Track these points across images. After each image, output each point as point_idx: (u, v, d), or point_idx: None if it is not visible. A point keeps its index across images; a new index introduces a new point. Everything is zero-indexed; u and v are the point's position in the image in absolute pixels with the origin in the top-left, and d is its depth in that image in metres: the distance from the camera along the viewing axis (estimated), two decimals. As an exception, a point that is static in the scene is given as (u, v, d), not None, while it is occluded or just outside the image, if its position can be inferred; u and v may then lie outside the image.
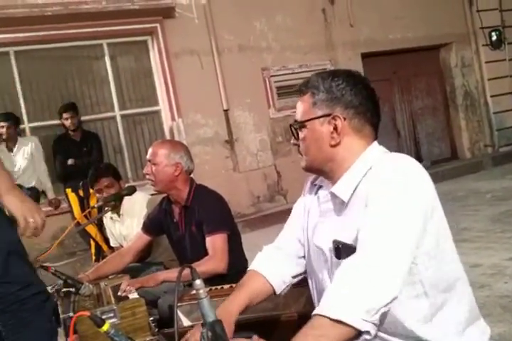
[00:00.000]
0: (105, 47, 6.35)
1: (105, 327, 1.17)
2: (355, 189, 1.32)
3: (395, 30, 7.92)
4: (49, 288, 2.16)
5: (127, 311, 1.74)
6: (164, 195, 2.66)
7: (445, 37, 8.37)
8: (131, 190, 2.77)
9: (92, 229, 5.15)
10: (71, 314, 1.81)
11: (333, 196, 1.37)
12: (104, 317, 1.60)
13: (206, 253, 2.41)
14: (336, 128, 1.35)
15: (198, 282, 1.17)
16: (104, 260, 2.79)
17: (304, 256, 1.53)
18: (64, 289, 2.01)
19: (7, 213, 1.70)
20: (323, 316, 1.15)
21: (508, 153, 8.59)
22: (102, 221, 3.78)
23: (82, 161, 5.38)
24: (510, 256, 3.90)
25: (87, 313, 1.19)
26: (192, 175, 2.64)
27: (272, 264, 1.54)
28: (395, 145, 8.05)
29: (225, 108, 6.77)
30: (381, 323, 1.22)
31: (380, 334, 1.28)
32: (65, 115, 5.55)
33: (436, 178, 1.38)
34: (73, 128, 5.57)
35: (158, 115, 6.67)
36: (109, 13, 6.10)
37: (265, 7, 6.97)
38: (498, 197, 6.02)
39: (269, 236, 1.67)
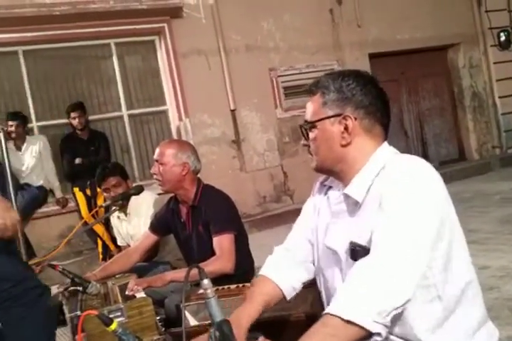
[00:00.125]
0: (113, 46, 6.37)
1: (113, 326, 1.17)
2: (369, 190, 1.31)
3: (403, 30, 7.89)
4: (56, 287, 2.17)
5: (134, 310, 1.74)
6: (171, 194, 2.67)
7: (453, 37, 8.33)
8: (139, 190, 2.77)
9: (99, 228, 5.17)
10: (78, 313, 1.81)
11: (346, 197, 1.37)
12: (111, 316, 1.60)
13: (213, 253, 2.41)
14: (346, 128, 1.35)
15: (206, 282, 1.17)
16: (112, 259, 2.79)
17: (313, 261, 1.53)
18: (71, 288, 2.02)
19: None
20: (335, 316, 1.15)
21: (516, 155, 8.55)
22: (109, 220, 3.79)
23: (90, 160, 5.40)
24: (519, 258, 3.89)
25: (95, 312, 1.19)
26: (199, 175, 2.64)
27: (282, 270, 1.54)
28: (403, 145, 8.02)
29: (232, 108, 6.77)
30: (393, 326, 1.22)
31: (392, 337, 1.28)
32: (72, 114, 5.57)
33: (444, 179, 1.36)
34: (81, 128, 5.59)
35: (166, 115, 6.68)
36: (117, 12, 6.11)
37: (273, 7, 6.96)
38: (506, 199, 5.99)
39: (276, 237, 1.67)
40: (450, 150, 8.71)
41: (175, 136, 6.53)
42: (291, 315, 1.73)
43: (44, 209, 5.70)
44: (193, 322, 1.80)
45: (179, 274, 2.37)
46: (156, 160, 2.55)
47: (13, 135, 5.30)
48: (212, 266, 2.28)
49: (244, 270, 2.44)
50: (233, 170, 6.78)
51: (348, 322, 1.14)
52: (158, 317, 1.82)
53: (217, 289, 2.05)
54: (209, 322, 1.21)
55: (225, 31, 6.72)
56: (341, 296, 1.19)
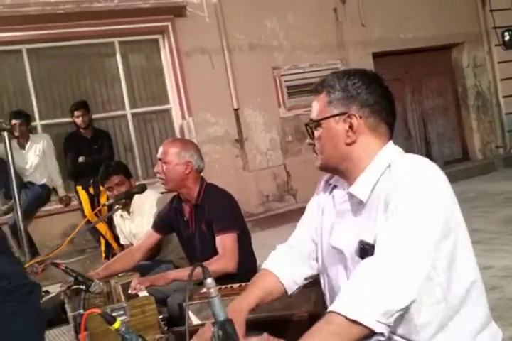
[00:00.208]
0: (117, 45, 6.37)
1: (116, 325, 1.17)
2: (373, 189, 1.32)
3: (407, 29, 7.87)
4: (59, 285, 2.17)
5: (137, 309, 1.75)
6: (174, 193, 2.67)
7: (457, 37, 8.31)
8: (142, 188, 2.77)
9: (102, 227, 5.18)
10: (81, 311, 1.82)
11: (351, 196, 1.37)
12: (114, 314, 1.60)
13: (216, 252, 2.41)
14: (351, 127, 1.35)
15: (210, 281, 1.17)
16: (114, 258, 2.80)
17: (317, 258, 1.53)
18: (74, 286, 2.02)
19: None
20: (339, 314, 1.16)
21: (520, 155, 8.53)
22: (112, 219, 3.79)
23: (93, 159, 5.40)
24: (522, 258, 3.88)
25: (98, 310, 1.20)
26: (201, 174, 2.64)
27: (285, 264, 1.55)
28: (406, 145, 8.00)
29: (235, 107, 6.76)
30: (397, 326, 1.23)
31: (396, 337, 1.28)
32: (76, 113, 5.58)
33: (448, 179, 1.38)
34: (84, 126, 5.60)
35: (169, 113, 6.68)
36: (121, 11, 6.12)
37: (276, 6, 6.95)
38: (510, 199, 5.97)
39: (279, 236, 1.67)
40: (454, 149, 8.69)
41: (178, 135, 6.53)
42: (294, 314, 1.73)
43: (47, 208, 5.72)
44: (195, 321, 1.80)
45: (182, 273, 2.37)
46: (160, 159, 2.56)
47: (17, 133, 5.31)
48: (215, 265, 2.29)
49: (247, 269, 2.44)
50: (236, 169, 6.78)
51: (353, 321, 1.14)
52: (160, 316, 1.82)
53: (220, 288, 2.05)
54: (212, 321, 1.20)
55: (229, 30, 6.72)
56: (346, 295, 1.20)
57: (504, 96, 8.65)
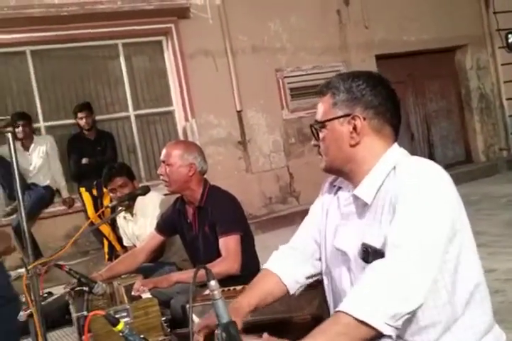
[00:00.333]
0: (120, 47, 6.38)
1: (120, 327, 1.17)
2: (378, 191, 1.32)
3: (410, 31, 7.86)
4: (62, 287, 2.17)
5: (140, 311, 1.75)
6: (178, 195, 2.67)
7: (460, 39, 8.30)
8: (145, 190, 2.77)
9: (105, 229, 5.18)
10: (85, 313, 1.82)
11: (356, 198, 1.38)
12: (117, 316, 1.60)
13: (219, 254, 2.41)
14: (355, 128, 1.36)
15: (213, 283, 1.17)
16: (117, 259, 2.80)
17: (319, 258, 1.53)
18: (77, 288, 2.02)
19: None
20: (348, 314, 1.16)
21: (524, 157, 8.51)
22: (115, 220, 3.80)
23: (96, 160, 5.41)
24: (526, 261, 3.87)
25: (102, 312, 1.20)
26: (205, 176, 2.64)
27: (287, 264, 1.55)
28: (409, 147, 7.99)
29: (238, 109, 6.76)
30: (403, 329, 1.22)
31: (399, 340, 1.27)
32: (79, 114, 5.59)
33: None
34: (88, 128, 5.61)
35: (172, 115, 6.69)
36: (125, 13, 6.13)
37: (280, 8, 6.96)
38: (513, 202, 5.96)
39: (281, 238, 1.67)
40: (457, 152, 8.67)
41: (181, 137, 6.53)
42: (297, 316, 1.73)
43: (50, 209, 5.72)
44: (198, 323, 1.80)
45: (185, 275, 2.38)
46: (163, 161, 2.56)
47: (21, 135, 5.32)
48: (218, 267, 2.28)
49: (250, 271, 2.43)
50: (239, 171, 6.78)
51: (361, 322, 1.15)
52: (163, 318, 1.82)
53: (223, 290, 2.06)
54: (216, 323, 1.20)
55: (232, 32, 6.72)
56: (356, 296, 1.20)
57: (507, 99, 8.63)
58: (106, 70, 6.37)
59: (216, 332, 1.18)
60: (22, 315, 1.65)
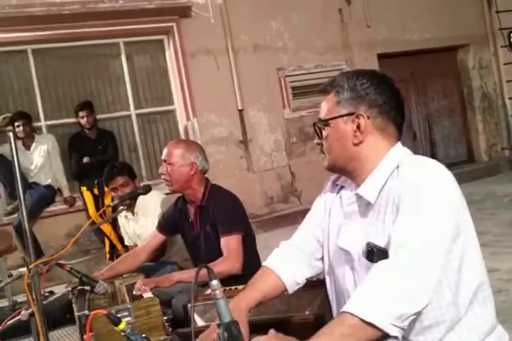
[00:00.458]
0: (122, 46, 6.38)
1: (122, 326, 1.17)
2: (381, 190, 1.31)
3: (412, 30, 7.85)
4: (64, 286, 2.17)
5: (141, 310, 1.75)
6: (179, 194, 2.66)
7: (463, 38, 8.28)
8: (147, 189, 2.76)
9: (106, 228, 5.18)
10: (86, 312, 1.81)
11: (359, 198, 1.37)
12: (118, 315, 1.60)
13: (220, 254, 2.41)
14: (359, 127, 1.35)
15: (215, 282, 1.17)
16: (119, 259, 2.79)
17: (321, 258, 1.52)
18: (79, 287, 2.02)
19: None
20: (353, 315, 1.16)
21: (526, 157, 8.49)
22: (116, 219, 3.79)
23: (98, 159, 5.41)
24: (528, 260, 3.86)
25: (104, 312, 1.19)
26: (206, 175, 2.63)
27: (287, 263, 1.54)
28: (411, 146, 7.94)
29: (239, 108, 6.76)
30: (408, 330, 1.22)
31: (402, 339, 1.27)
32: (81, 113, 5.59)
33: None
34: (89, 127, 5.61)
35: (173, 114, 6.68)
36: (126, 12, 6.13)
37: (281, 7, 6.95)
38: (515, 201, 5.95)
39: (282, 238, 1.66)
40: (459, 151, 8.66)
41: (182, 136, 6.53)
42: (299, 316, 1.72)
43: (52, 208, 5.73)
44: (200, 322, 1.79)
45: (186, 275, 2.37)
46: (164, 161, 2.55)
47: (22, 134, 5.32)
48: (219, 266, 2.28)
49: (252, 270, 2.40)
50: (240, 170, 6.78)
51: (367, 323, 1.14)
52: (165, 318, 1.82)
53: (225, 290, 2.05)
54: (217, 323, 1.20)
55: (234, 31, 6.72)
56: (361, 296, 1.19)
57: (510, 98, 8.61)
58: (107, 69, 6.37)
59: (218, 331, 1.18)
60: (24, 314, 1.65)
